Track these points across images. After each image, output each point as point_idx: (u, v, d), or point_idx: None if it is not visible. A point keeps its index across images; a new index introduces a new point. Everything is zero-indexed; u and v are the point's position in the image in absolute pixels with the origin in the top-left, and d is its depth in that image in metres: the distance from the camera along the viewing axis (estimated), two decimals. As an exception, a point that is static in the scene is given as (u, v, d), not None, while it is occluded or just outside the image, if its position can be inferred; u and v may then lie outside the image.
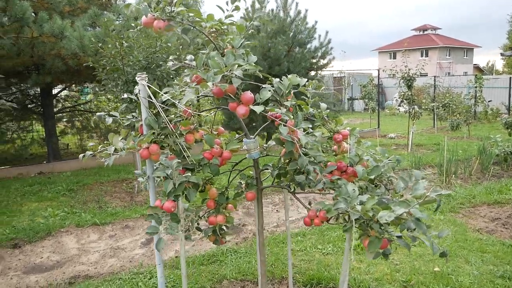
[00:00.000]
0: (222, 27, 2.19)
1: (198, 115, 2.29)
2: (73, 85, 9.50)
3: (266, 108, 1.90)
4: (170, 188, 1.97)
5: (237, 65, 1.78)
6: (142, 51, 5.15)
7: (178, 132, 2.23)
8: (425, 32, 44.14)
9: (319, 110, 2.43)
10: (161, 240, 2.03)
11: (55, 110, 8.75)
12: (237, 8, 2.30)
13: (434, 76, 16.50)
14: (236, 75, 1.77)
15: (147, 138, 2.11)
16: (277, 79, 2.19)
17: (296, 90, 2.35)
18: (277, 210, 5.12)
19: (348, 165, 2.29)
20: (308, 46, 10.86)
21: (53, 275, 3.43)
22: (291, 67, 9.83)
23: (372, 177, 2.09)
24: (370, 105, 15.89)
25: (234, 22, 2.19)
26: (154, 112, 2.24)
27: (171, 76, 5.19)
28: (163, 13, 1.95)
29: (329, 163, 2.30)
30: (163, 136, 2.17)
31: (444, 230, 2.02)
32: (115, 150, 2.12)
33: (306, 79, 2.27)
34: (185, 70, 2.09)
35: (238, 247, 3.97)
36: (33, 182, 6.45)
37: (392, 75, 10.22)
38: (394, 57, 40.18)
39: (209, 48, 2.17)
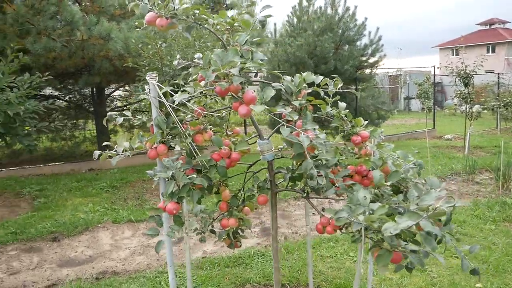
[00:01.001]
0: (234, 24, 2.10)
1: (211, 115, 2.23)
2: (126, 85, 9.88)
3: (268, 108, 1.79)
4: (171, 189, 1.92)
5: (235, 63, 1.68)
6: (181, 51, 5.21)
7: (188, 132, 2.17)
8: (492, 27, 41.24)
9: (337, 109, 2.28)
10: (161, 243, 1.99)
11: (107, 109, 9.14)
12: (252, 4, 2.20)
13: (498, 73, 15.33)
14: (233, 73, 1.68)
15: (153, 138, 2.08)
16: (289, 78, 2.08)
17: (312, 89, 2.23)
18: (313, 213, 4.95)
19: (370, 169, 2.13)
20: (358, 43, 10.53)
21: (83, 270, 3.53)
22: (338, 65, 9.57)
23: (389, 183, 1.91)
24: (426, 104, 15.10)
25: (244, 19, 2.09)
26: (165, 112, 2.20)
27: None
28: (166, 10, 1.90)
29: (348, 166, 2.16)
30: (170, 137, 2.13)
31: (475, 245, 1.80)
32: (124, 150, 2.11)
33: (321, 77, 2.13)
34: (189, 69, 2.03)
35: (266, 250, 3.88)
36: (81, 178, 6.76)
37: (450, 73, 9.58)
38: (457, 54, 37.94)
39: (217, 45, 2.09)
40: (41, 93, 9.30)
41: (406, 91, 24.46)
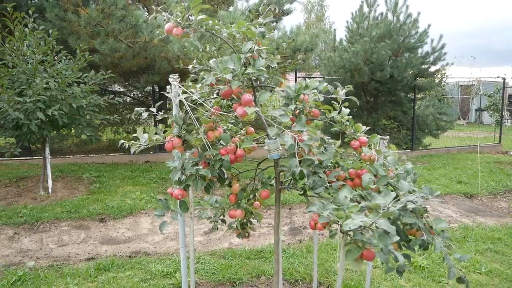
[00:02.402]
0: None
1: (222, 114, 2.46)
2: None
3: (258, 110, 1.99)
4: (176, 177, 2.18)
5: (229, 69, 1.90)
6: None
7: (203, 129, 2.43)
8: None
9: (339, 114, 2.42)
10: (165, 223, 2.25)
11: (167, 106, 9.77)
12: (268, 15, 2.44)
13: None
14: (228, 78, 1.90)
15: (169, 132, 2.36)
16: (292, 84, 2.25)
17: (328, 96, 2.38)
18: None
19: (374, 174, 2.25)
20: (419, 51, 10.24)
21: (120, 248, 3.94)
22: (395, 73, 9.41)
23: (373, 186, 2.02)
24: (494, 117, 14.20)
25: (251, 30, 2.30)
26: (184, 110, 2.48)
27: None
28: (183, 20, 2.17)
29: (350, 170, 2.29)
30: (185, 132, 2.40)
31: (464, 255, 1.89)
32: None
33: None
34: (201, 73, 2.28)
35: (289, 247, 4.04)
36: (135, 168, 7.35)
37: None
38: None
39: (229, 52, 2.33)
40: (110, 89, 10.19)
41: (478, 103, 23.01)
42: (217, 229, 2.80)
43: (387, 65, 9.33)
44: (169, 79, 2.49)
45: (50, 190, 5.68)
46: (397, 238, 1.64)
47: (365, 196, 2.06)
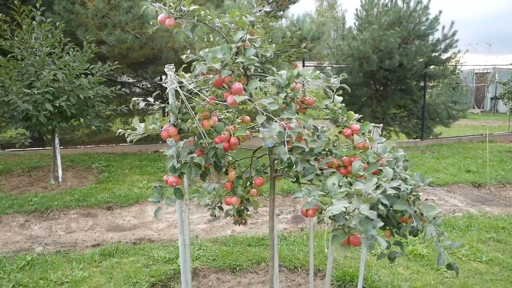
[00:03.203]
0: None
1: (216, 103, 2.51)
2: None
3: (249, 99, 2.03)
4: (170, 165, 2.24)
5: (217, 59, 1.94)
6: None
7: (198, 118, 2.48)
8: None
9: (332, 102, 2.44)
10: (159, 209, 2.31)
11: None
12: (262, 4, 2.47)
13: None
14: (216, 67, 1.94)
15: (165, 121, 2.42)
16: (284, 72, 2.28)
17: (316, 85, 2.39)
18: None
19: (364, 162, 2.28)
20: (430, 38, 10.10)
21: (125, 235, 4.05)
22: (404, 61, 9.31)
23: (363, 173, 2.05)
24: (509, 105, 13.94)
25: (242, 19, 2.33)
26: (180, 99, 2.53)
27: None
28: (176, 11, 2.21)
29: (343, 158, 2.32)
30: (180, 121, 2.45)
31: (455, 242, 1.92)
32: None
33: (310, 71, 2.30)
34: (193, 63, 2.33)
35: (290, 235, 4.10)
36: (144, 158, 7.46)
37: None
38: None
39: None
40: (119, 80, 10.30)
41: (494, 91, 22.57)
42: (215, 216, 2.86)
43: (396, 53, 9.23)
44: (165, 69, 2.54)
45: (60, 179, 5.82)
46: (381, 224, 1.68)
47: (354, 183, 2.09)
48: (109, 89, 5.98)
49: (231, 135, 2.38)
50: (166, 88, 2.47)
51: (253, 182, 2.66)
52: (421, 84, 10.72)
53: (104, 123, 9.17)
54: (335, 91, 2.50)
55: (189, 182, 2.61)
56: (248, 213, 2.86)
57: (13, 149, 7.64)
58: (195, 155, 2.32)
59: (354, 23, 10.88)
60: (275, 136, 2.44)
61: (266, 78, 2.27)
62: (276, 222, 4.37)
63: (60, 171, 5.87)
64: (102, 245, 3.79)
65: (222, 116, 2.78)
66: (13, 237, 4.00)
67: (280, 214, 4.79)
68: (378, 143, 2.32)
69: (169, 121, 2.47)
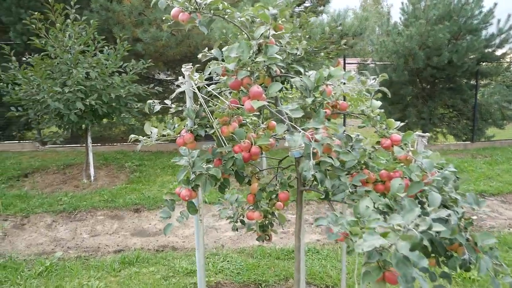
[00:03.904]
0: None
1: (237, 107, 2.26)
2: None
3: (269, 105, 1.75)
4: (182, 176, 2.00)
5: (231, 59, 1.67)
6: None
7: (218, 123, 2.24)
8: None
9: (369, 107, 2.12)
10: (170, 226, 2.09)
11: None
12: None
13: None
14: (229, 68, 1.68)
15: (180, 126, 2.19)
16: (313, 73, 1.98)
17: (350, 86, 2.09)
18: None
19: (406, 177, 1.96)
20: (483, 33, 9.35)
21: (149, 241, 3.89)
22: (454, 57, 8.66)
23: (403, 195, 1.72)
24: None
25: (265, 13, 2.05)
26: (198, 102, 2.30)
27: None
28: (191, 4, 1.97)
29: (381, 171, 2.01)
30: (197, 126, 2.22)
31: None
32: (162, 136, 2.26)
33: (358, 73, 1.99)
34: (209, 63, 2.07)
35: (322, 248, 3.78)
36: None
37: None
38: None
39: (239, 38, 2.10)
40: (156, 78, 10.30)
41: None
42: (237, 230, 2.61)
43: (445, 49, 8.61)
44: (182, 69, 2.31)
45: (92, 178, 5.80)
46: (424, 263, 1.35)
47: (392, 205, 1.77)
48: (142, 88, 5.87)
49: (252, 144, 2.11)
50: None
51: (277, 196, 2.38)
52: (472, 82, 9.97)
53: (139, 121, 9.21)
54: (373, 94, 2.18)
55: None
56: (274, 228, 2.59)
57: (52, 146, 7.77)
58: (211, 165, 2.08)
59: (400, 18, 10.29)
60: (303, 145, 2.15)
61: (292, 80, 1.98)
62: (304, 234, 4.07)
63: (92, 169, 5.85)
64: (124, 251, 3.64)
65: (247, 120, 2.53)
66: (38, 238, 3.95)
67: (314, 223, 4.47)
68: (423, 156, 1.97)
69: (185, 126, 2.24)
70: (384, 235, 1.37)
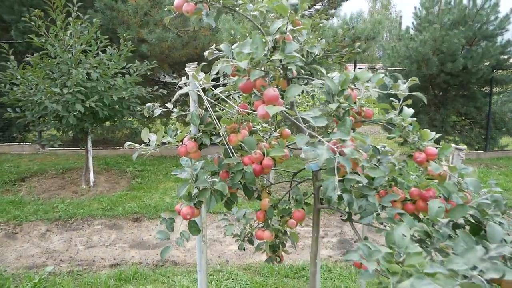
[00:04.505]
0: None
1: (248, 113, 1.99)
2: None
3: (287, 111, 1.49)
4: (183, 191, 1.74)
5: (243, 55, 1.41)
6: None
7: (225, 131, 1.97)
8: None
9: (400, 115, 1.85)
10: (168, 249, 1.82)
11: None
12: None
13: None
14: (241, 66, 1.41)
15: (181, 134, 1.93)
16: (336, 75, 1.72)
17: (386, 92, 1.82)
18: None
19: (440, 196, 1.69)
20: (499, 39, 9.06)
21: (148, 254, 3.62)
22: (468, 64, 8.37)
23: (445, 220, 1.45)
24: None
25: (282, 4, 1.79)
26: (203, 106, 2.04)
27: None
28: (197, -6, 1.71)
29: (412, 189, 1.74)
30: (201, 134, 1.96)
31: None
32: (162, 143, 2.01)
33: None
34: (216, 61, 1.81)
35: (335, 265, 3.49)
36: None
37: None
38: None
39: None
40: (162, 80, 10.07)
41: None
42: (244, 249, 2.34)
43: (459, 55, 8.32)
44: (186, 69, 2.06)
45: (91, 183, 5.55)
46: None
47: (431, 233, 1.49)
48: (145, 90, 5.63)
49: (264, 155, 1.84)
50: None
51: (291, 214, 2.11)
52: (486, 89, 9.66)
53: (143, 124, 8.97)
54: (402, 100, 1.91)
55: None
56: (285, 248, 2.31)
57: (53, 148, 7.55)
58: (216, 179, 1.81)
59: (412, 23, 10.01)
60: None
61: (312, 82, 1.71)
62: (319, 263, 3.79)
63: (91, 174, 5.60)
64: (121, 266, 3.38)
65: (258, 127, 2.26)
66: (29, 249, 3.69)
67: (324, 237, 4.19)
68: (462, 173, 1.70)
69: (188, 133, 1.99)
70: (432, 275, 1.10)
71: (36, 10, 4.82)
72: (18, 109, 5.10)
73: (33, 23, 4.81)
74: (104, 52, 5.37)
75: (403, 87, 1.82)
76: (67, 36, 4.96)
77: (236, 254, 3.71)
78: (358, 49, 5.36)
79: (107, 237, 3.98)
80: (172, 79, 10.38)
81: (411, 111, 1.85)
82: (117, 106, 5.27)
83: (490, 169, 7.69)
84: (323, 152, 1.37)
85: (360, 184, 1.59)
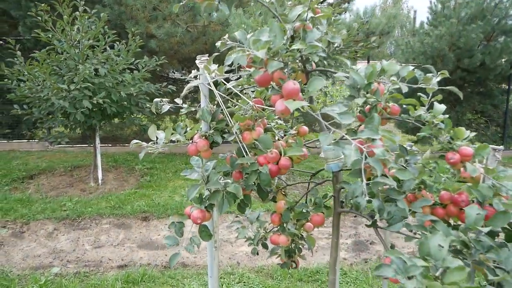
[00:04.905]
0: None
1: (263, 109, 1.85)
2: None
3: (310, 105, 1.34)
4: (194, 194, 1.61)
5: (260, 43, 1.27)
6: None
7: (238, 128, 1.83)
8: None
9: (431, 112, 1.69)
10: (177, 256, 1.69)
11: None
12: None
13: None
14: (258, 56, 1.27)
15: (191, 131, 1.80)
16: (362, 67, 1.56)
17: (415, 85, 1.67)
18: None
19: (474, 200, 1.54)
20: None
21: (157, 255, 3.50)
22: (486, 59, 8.11)
23: (486, 230, 1.30)
24: None
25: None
26: (215, 102, 1.91)
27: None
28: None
29: (442, 192, 1.59)
30: (212, 131, 1.82)
31: None
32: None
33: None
34: (229, 52, 1.67)
35: (350, 269, 3.34)
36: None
37: None
38: None
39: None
40: (171, 77, 9.96)
41: None
42: (257, 253, 2.21)
43: (477, 51, 8.07)
44: (196, 61, 1.91)
45: (100, 181, 5.45)
46: None
47: (469, 242, 1.34)
48: (154, 86, 5.50)
49: (281, 154, 1.69)
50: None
51: (309, 218, 1.96)
52: (503, 86, 9.39)
53: (152, 121, 8.87)
54: (430, 95, 1.76)
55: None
56: (302, 254, 2.18)
57: (62, 146, 7.48)
58: (229, 180, 1.67)
59: (427, 18, 9.76)
60: (342, 157, 1.72)
61: (335, 75, 1.56)
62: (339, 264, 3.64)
63: (100, 172, 5.50)
64: (129, 267, 3.26)
65: (273, 124, 2.12)
66: (36, 249, 3.59)
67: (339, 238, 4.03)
68: (500, 175, 1.54)
69: (198, 130, 1.85)
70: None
71: (43, 5, 4.72)
72: (25, 106, 5.02)
73: (40, 18, 4.71)
74: (112, 47, 5.26)
75: (434, 81, 1.66)
76: (74, 31, 4.85)
77: (248, 256, 3.58)
78: (374, 44, 5.19)
79: (115, 237, 3.87)
80: (181, 76, 10.27)
81: (442, 107, 1.69)
82: (125, 102, 5.16)
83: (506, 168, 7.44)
84: (351, 152, 1.22)
85: (387, 187, 1.44)
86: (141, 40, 5.28)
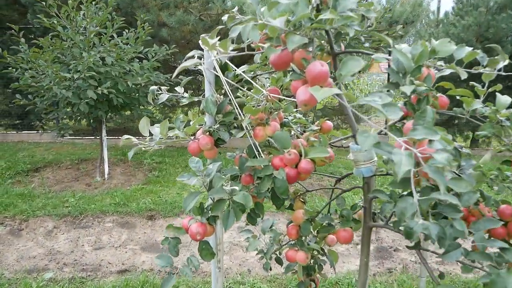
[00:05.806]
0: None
1: (279, 100, 1.54)
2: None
3: (340, 93, 1.01)
4: (192, 204, 1.30)
5: (279, 7, 0.94)
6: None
7: (250, 122, 1.52)
8: None
9: (492, 106, 1.35)
10: (170, 280, 1.39)
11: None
12: None
13: None
14: (277, 25, 0.95)
15: (192, 126, 1.48)
16: (404, 46, 1.22)
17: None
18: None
19: None
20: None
21: (160, 260, 3.22)
22: (518, 51, 7.62)
23: None
24: None
25: None
26: (222, 91, 1.60)
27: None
28: None
29: (502, 206, 1.27)
30: (218, 126, 1.51)
31: None
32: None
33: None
34: (239, 24, 1.34)
35: (374, 280, 3.01)
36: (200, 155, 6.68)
37: None
38: None
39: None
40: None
41: None
42: (270, 269, 1.89)
43: (507, 42, 7.60)
44: (200, 41, 1.60)
45: (106, 176, 5.21)
46: None
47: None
48: (163, 76, 5.21)
49: (301, 156, 1.37)
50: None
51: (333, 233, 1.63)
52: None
53: (162, 113, 8.61)
54: (486, 85, 1.43)
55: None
56: (322, 272, 1.86)
57: (70, 137, 7.27)
58: (237, 187, 1.35)
59: (453, 8, 9.25)
60: (376, 159, 1.39)
61: (373, 56, 1.23)
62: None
63: (106, 166, 5.26)
64: (129, 272, 2.99)
65: (290, 118, 1.80)
66: (32, 249, 3.35)
67: (359, 244, 3.69)
68: None
69: (200, 125, 1.54)
70: None
71: (47, -12, 4.45)
72: (30, 96, 4.78)
73: (44, 3, 4.44)
74: (120, 35, 4.98)
75: (499, 65, 1.31)
76: (79, 17, 4.58)
77: (260, 263, 3.27)
78: (400, 33, 4.82)
79: (118, 237, 3.60)
80: (194, 67, 9.98)
81: (507, 99, 1.34)
82: (133, 93, 4.89)
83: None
84: (402, 158, 0.89)
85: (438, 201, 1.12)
86: (149, 27, 4.98)
